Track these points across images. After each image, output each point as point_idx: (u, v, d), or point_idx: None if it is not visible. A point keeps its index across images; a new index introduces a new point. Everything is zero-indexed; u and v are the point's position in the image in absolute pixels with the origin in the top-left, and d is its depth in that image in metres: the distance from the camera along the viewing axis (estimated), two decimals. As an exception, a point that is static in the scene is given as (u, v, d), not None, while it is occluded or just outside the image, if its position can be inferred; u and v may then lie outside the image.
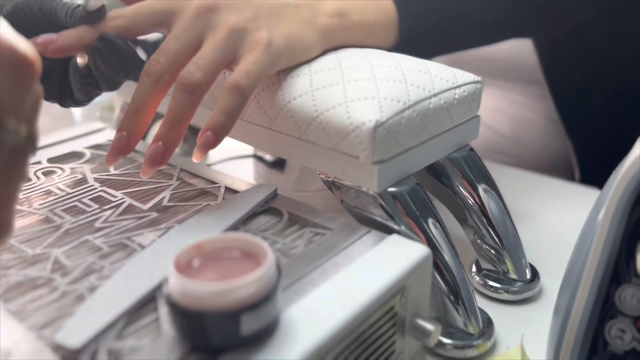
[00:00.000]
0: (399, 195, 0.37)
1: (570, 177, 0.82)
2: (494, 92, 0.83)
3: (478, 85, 0.42)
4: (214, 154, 0.66)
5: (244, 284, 0.25)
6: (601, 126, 0.78)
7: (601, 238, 0.31)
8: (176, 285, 0.26)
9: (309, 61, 0.40)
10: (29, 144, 0.24)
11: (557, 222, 0.54)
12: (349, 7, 0.43)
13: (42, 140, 0.50)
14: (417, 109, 0.37)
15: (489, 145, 0.84)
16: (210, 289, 0.25)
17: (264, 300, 0.26)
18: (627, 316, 0.30)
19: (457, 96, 0.40)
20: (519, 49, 0.76)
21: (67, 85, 0.38)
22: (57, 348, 0.27)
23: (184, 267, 0.27)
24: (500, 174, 0.66)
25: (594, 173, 0.78)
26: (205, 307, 0.25)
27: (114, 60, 0.37)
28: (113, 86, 0.40)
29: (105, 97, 0.49)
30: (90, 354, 0.26)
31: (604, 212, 0.30)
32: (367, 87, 0.37)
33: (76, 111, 1.72)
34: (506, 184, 0.60)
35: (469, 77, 0.42)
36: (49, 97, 0.40)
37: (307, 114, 0.38)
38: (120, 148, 0.36)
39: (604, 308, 0.31)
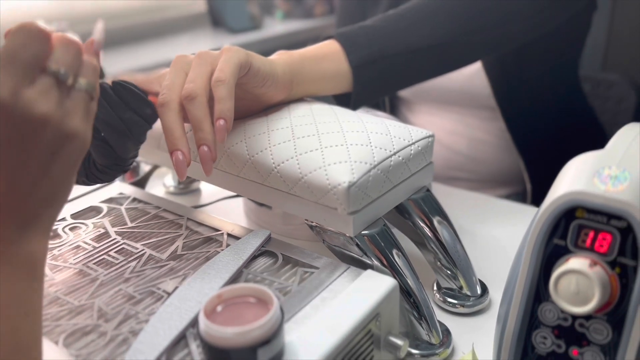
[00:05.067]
0: (370, 237, 0.46)
1: (522, 190, 0.92)
2: (452, 117, 0.93)
3: (430, 139, 0.51)
4: (209, 195, 0.74)
5: (258, 326, 0.34)
6: (547, 143, 0.89)
7: (525, 264, 0.40)
8: (206, 329, 0.34)
9: (292, 129, 0.49)
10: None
11: (498, 238, 0.64)
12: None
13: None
14: (380, 167, 0.46)
15: (449, 164, 0.94)
16: (233, 332, 0.34)
17: (273, 336, 0.35)
18: (547, 326, 0.40)
19: (412, 151, 0.49)
20: (472, 81, 0.86)
21: (89, 156, 0.47)
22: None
23: (210, 313, 0.36)
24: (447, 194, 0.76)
25: (544, 185, 0.89)
26: (230, 345, 0.34)
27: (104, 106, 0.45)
28: (115, 137, 0.46)
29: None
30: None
31: (527, 244, 0.40)
32: (341, 153, 0.46)
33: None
34: (454, 204, 0.70)
35: (422, 132, 0.51)
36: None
37: (294, 175, 0.46)
38: (184, 163, 0.44)
39: (530, 320, 0.41)
